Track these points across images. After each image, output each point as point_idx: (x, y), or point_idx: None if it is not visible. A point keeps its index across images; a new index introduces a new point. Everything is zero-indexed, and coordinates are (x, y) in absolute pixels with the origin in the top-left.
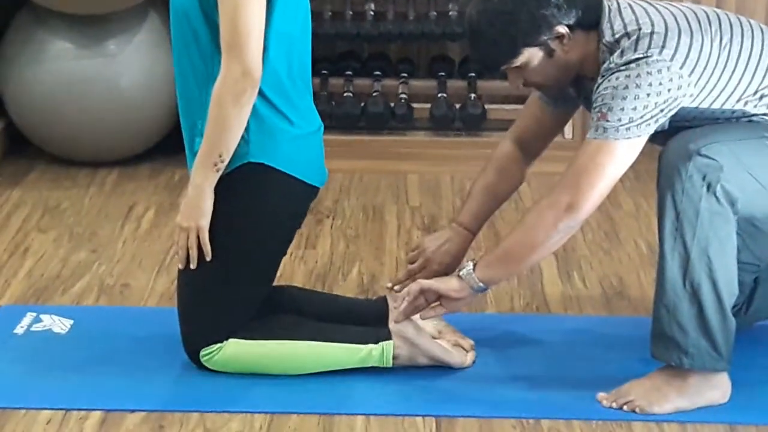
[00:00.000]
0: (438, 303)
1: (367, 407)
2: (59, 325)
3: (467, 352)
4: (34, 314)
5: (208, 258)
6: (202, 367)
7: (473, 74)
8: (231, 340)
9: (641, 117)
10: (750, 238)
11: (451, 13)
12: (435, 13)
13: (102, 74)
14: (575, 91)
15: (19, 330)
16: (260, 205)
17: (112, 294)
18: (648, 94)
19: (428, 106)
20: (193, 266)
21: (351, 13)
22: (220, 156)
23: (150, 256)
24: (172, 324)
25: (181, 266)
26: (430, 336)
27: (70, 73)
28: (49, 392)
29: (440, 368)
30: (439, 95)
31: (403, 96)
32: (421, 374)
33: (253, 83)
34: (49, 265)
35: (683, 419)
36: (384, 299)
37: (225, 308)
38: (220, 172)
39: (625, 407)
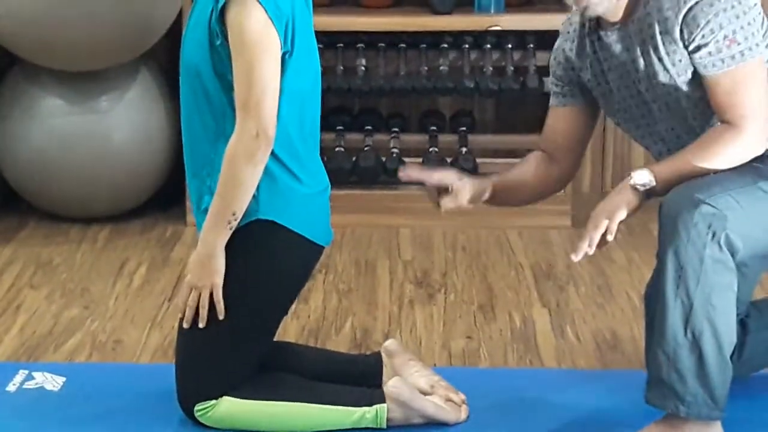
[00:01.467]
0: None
1: None
2: (51, 382)
3: (460, 407)
4: (27, 372)
5: (221, 316)
6: (196, 422)
7: (464, 129)
8: (225, 398)
9: (755, 32)
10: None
11: (441, 68)
12: (426, 68)
13: (93, 130)
14: (590, 47)
15: (12, 387)
16: (267, 263)
17: (105, 351)
18: (746, 10)
19: (420, 160)
20: (202, 326)
21: (342, 68)
22: (234, 215)
23: (142, 311)
24: (166, 380)
25: (186, 325)
26: (423, 392)
27: (62, 130)
28: None
29: (435, 424)
30: (431, 149)
31: (395, 150)
32: (414, 430)
33: (268, 142)
34: (42, 322)
35: None
36: (378, 354)
37: (223, 365)
38: (233, 230)
39: None
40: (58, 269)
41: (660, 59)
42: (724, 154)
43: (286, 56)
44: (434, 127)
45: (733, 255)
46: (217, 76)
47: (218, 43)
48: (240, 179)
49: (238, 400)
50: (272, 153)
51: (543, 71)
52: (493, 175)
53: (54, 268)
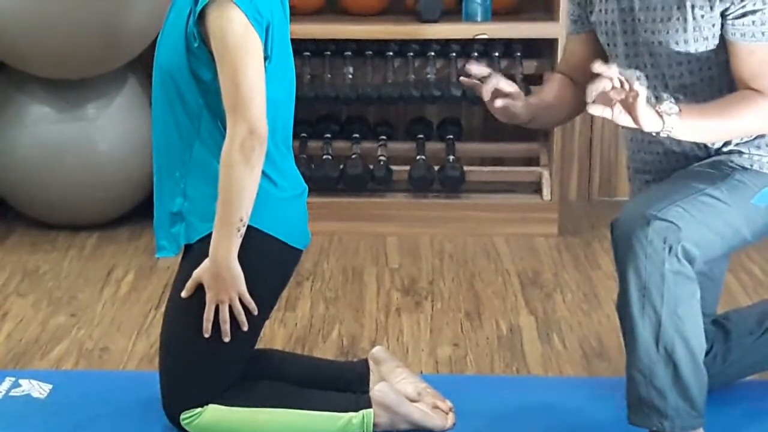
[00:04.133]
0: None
1: None
2: (38, 389)
3: (447, 414)
4: (13, 379)
5: (255, 313)
6: (182, 430)
7: (451, 136)
8: (211, 406)
9: None
10: (703, 289)
11: (429, 76)
12: (413, 77)
13: (81, 138)
14: None
15: None
16: (245, 268)
17: (92, 358)
18: None
19: (407, 168)
20: (227, 340)
21: (329, 76)
22: (241, 220)
23: (129, 319)
24: (152, 388)
25: (227, 339)
26: (410, 398)
27: (49, 137)
28: None
29: (421, 430)
30: (418, 157)
31: (382, 158)
32: None
33: (261, 140)
34: (28, 330)
35: None
36: (365, 361)
37: (207, 372)
38: (242, 236)
39: None
40: (45, 277)
41: (686, 18)
42: (749, 116)
43: (265, 62)
44: (422, 135)
45: (691, 263)
46: (193, 78)
47: (195, 45)
48: (240, 183)
49: (224, 407)
50: None
51: (530, 80)
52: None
53: (41, 276)
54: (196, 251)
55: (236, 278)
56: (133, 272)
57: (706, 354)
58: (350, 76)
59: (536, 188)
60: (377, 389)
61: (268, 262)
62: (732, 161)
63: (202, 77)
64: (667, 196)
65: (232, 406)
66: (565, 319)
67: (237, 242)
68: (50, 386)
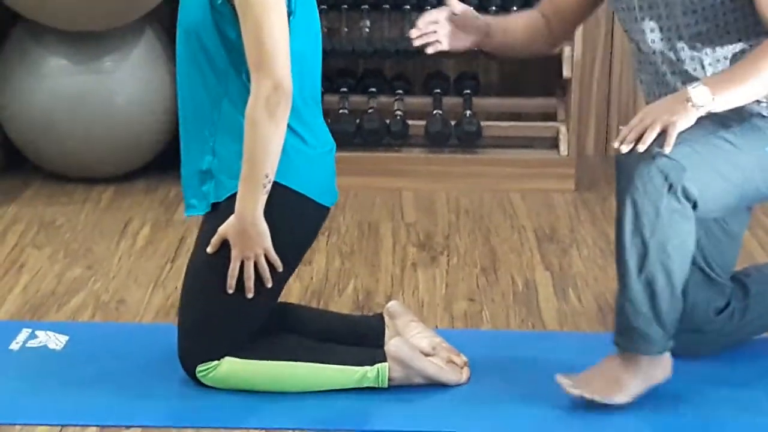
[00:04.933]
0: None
1: (363, 423)
2: (54, 341)
3: (461, 369)
4: (30, 330)
5: (280, 269)
6: (198, 382)
7: (468, 91)
8: (227, 359)
9: None
10: (720, 243)
11: None
12: None
13: (98, 91)
14: None
15: (15, 346)
16: (273, 225)
17: (108, 310)
18: None
19: (423, 122)
20: (250, 296)
21: (346, 29)
22: (267, 176)
23: (145, 272)
24: (168, 340)
25: (250, 295)
26: (425, 353)
27: (66, 90)
28: (45, 408)
29: (436, 385)
30: (435, 112)
31: (399, 113)
32: (417, 391)
33: (286, 96)
34: (45, 282)
35: None
36: (380, 316)
37: (227, 326)
38: (268, 193)
39: (585, 395)
40: (61, 229)
41: None
42: None
43: (289, 17)
44: (438, 90)
45: (693, 204)
46: (218, 35)
47: (219, 2)
48: (266, 139)
49: (240, 360)
50: None
51: None
52: (488, 16)
53: (57, 228)
54: (222, 208)
55: (262, 235)
56: (149, 225)
57: (723, 310)
58: (367, 30)
59: (553, 143)
60: (392, 344)
61: (296, 219)
62: (754, 108)
63: (228, 35)
64: (684, 133)
65: (247, 359)
66: (581, 274)
67: (263, 198)
68: (67, 338)
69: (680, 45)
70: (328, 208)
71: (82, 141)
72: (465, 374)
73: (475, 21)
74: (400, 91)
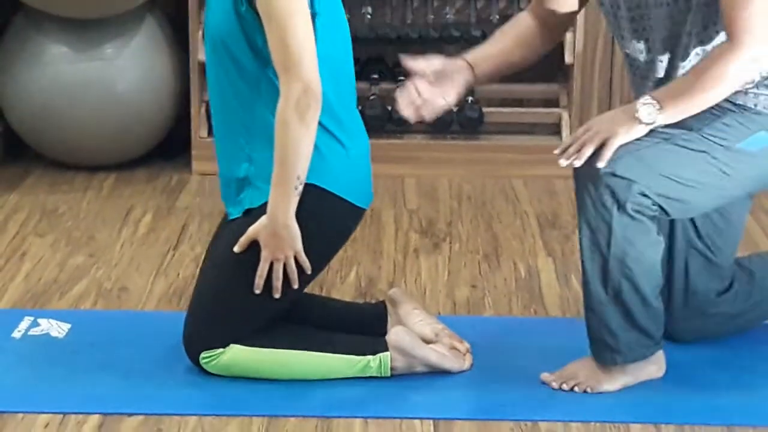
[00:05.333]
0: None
1: (365, 410)
2: (57, 329)
3: (464, 355)
4: (32, 318)
5: (309, 272)
6: (201, 369)
7: None
8: (232, 346)
9: None
10: (720, 231)
11: (448, 16)
12: (433, 17)
13: (99, 78)
14: None
15: (17, 334)
16: (308, 226)
17: (110, 298)
18: None
19: None
20: (277, 296)
21: (348, 16)
22: (298, 178)
23: (147, 259)
24: (170, 327)
25: (277, 296)
26: (427, 340)
27: (67, 77)
28: (47, 396)
29: (439, 372)
30: None
31: None
32: (419, 377)
33: (316, 98)
34: (47, 269)
35: (681, 421)
36: (382, 303)
37: (242, 318)
38: (300, 194)
39: (575, 389)
40: (63, 217)
41: None
42: (727, 75)
43: (314, 19)
44: None
45: (650, 214)
46: (246, 42)
47: (243, 9)
48: (297, 141)
49: (244, 348)
50: None
51: None
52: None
53: (59, 216)
54: (255, 213)
55: (294, 237)
56: (151, 213)
57: (725, 292)
58: (369, 17)
59: (555, 129)
60: (392, 333)
61: (332, 221)
62: (733, 100)
63: (255, 41)
64: (631, 144)
65: (251, 347)
66: None
67: (295, 200)
68: (69, 326)
69: (661, 57)
70: (363, 210)
71: (83, 129)
72: (468, 361)
73: (453, 65)
74: (402, 78)
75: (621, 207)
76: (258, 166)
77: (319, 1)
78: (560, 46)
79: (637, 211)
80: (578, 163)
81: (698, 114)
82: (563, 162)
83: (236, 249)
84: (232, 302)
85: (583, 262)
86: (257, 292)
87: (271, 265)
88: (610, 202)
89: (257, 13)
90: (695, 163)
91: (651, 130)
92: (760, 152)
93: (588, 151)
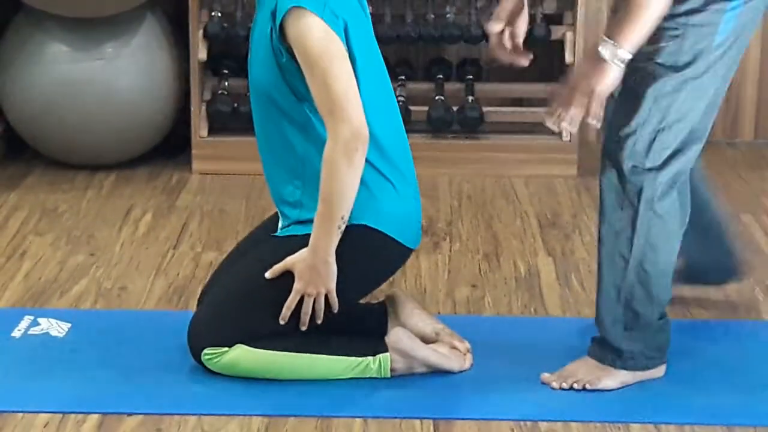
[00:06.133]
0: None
1: (365, 410)
2: (57, 328)
3: (464, 355)
4: (32, 317)
5: (335, 311)
6: (201, 365)
7: (471, 77)
8: (237, 346)
9: None
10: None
11: (448, 15)
12: (433, 16)
13: (99, 77)
14: None
15: (17, 333)
16: (356, 265)
17: (110, 297)
18: None
19: (426, 108)
20: (303, 329)
21: None
22: (342, 218)
23: (148, 259)
24: (170, 327)
25: (304, 329)
26: (428, 339)
27: (68, 77)
28: (47, 396)
29: (439, 371)
30: (437, 98)
31: (401, 98)
32: (419, 377)
33: (364, 140)
34: (47, 269)
35: (681, 421)
36: (383, 304)
37: (254, 322)
38: (341, 233)
39: (575, 386)
40: (63, 216)
41: None
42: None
43: (354, 63)
44: (441, 75)
45: (676, 186)
46: (290, 91)
47: (284, 60)
48: (344, 183)
49: (246, 348)
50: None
51: (550, 19)
52: None
53: (59, 215)
54: (297, 238)
55: (330, 274)
56: (151, 212)
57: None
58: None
59: None
60: (392, 334)
61: (379, 259)
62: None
63: (298, 89)
64: (628, 121)
65: (253, 348)
66: (584, 260)
67: (336, 238)
68: (69, 325)
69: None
70: (411, 250)
71: (83, 128)
72: (468, 361)
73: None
74: (403, 77)
75: (648, 203)
76: (309, 210)
77: (357, 45)
78: (560, 46)
79: (663, 199)
80: (573, 129)
81: (661, 47)
82: (553, 125)
83: (267, 275)
84: (253, 310)
85: (600, 263)
86: (282, 323)
87: (301, 298)
88: (636, 199)
89: (297, 63)
90: (691, 98)
91: (635, 95)
92: (732, 31)
93: (578, 115)
